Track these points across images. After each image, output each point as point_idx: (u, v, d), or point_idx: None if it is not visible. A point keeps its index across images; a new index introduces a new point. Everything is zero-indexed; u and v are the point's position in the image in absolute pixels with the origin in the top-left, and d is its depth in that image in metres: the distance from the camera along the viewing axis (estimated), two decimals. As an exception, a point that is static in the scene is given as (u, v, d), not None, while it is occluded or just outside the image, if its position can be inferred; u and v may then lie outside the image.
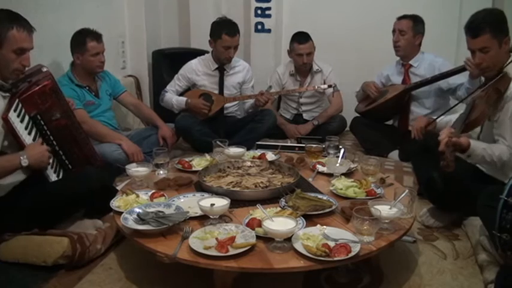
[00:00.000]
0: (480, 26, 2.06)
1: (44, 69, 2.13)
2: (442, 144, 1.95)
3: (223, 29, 3.30)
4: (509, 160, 2.00)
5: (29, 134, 2.01)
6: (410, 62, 3.30)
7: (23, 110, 1.99)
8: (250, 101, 3.50)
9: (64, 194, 1.97)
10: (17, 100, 1.97)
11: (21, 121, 1.98)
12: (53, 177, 2.09)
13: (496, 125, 2.10)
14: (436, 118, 2.43)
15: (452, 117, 2.39)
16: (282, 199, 1.89)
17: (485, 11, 2.13)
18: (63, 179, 2.11)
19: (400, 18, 3.27)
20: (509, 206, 1.56)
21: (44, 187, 2.01)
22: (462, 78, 3.03)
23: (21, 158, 1.90)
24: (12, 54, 1.91)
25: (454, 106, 2.60)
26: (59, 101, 2.12)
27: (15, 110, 1.95)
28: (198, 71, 3.47)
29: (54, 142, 2.12)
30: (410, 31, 3.22)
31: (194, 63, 3.50)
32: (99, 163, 2.34)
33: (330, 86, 3.47)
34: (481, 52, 2.09)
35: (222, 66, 3.47)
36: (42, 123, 2.07)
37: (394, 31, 3.27)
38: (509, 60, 2.09)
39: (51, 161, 2.06)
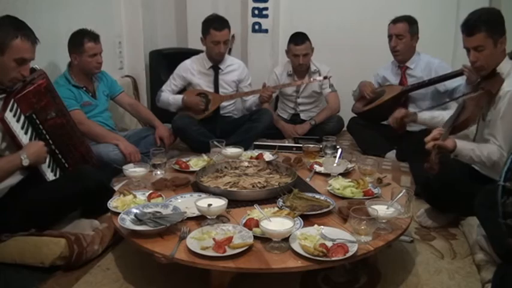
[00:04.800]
0: (475, 24, 2.06)
1: (38, 69, 2.12)
2: (430, 145, 1.98)
3: (211, 24, 3.32)
4: (500, 160, 2.01)
5: (26, 133, 2.01)
6: (407, 64, 3.29)
7: (19, 110, 1.99)
8: (252, 99, 3.50)
9: (61, 193, 1.97)
10: (12, 100, 1.96)
11: (18, 121, 1.98)
12: (50, 175, 2.09)
13: (487, 125, 2.11)
14: (418, 112, 2.44)
15: (437, 113, 2.41)
16: (279, 199, 1.89)
17: (482, 10, 2.13)
18: (60, 178, 2.11)
19: (394, 22, 3.22)
20: (508, 190, 1.55)
21: (41, 187, 2.01)
22: (459, 80, 3.04)
23: (22, 157, 1.89)
24: (13, 63, 1.90)
25: (442, 103, 2.61)
26: (54, 99, 2.13)
27: (11, 110, 1.95)
28: (192, 69, 3.48)
29: (50, 141, 2.11)
30: (407, 34, 3.19)
31: (189, 63, 3.50)
32: (95, 162, 2.34)
33: (325, 78, 3.47)
34: (476, 51, 2.09)
35: (216, 65, 3.47)
36: (38, 122, 2.07)
37: (390, 36, 3.23)
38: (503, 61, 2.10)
39: (47, 157, 2.05)
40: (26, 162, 1.90)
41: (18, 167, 1.91)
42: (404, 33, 3.19)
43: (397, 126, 2.69)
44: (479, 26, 2.05)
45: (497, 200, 1.56)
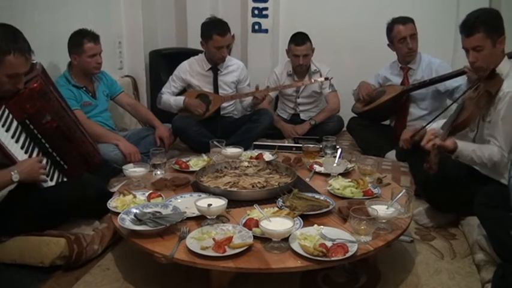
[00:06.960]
0: (474, 24, 2.06)
1: (36, 66, 2.05)
2: (429, 145, 1.97)
3: (214, 30, 3.29)
4: (501, 161, 2.01)
5: (17, 141, 1.93)
6: (410, 65, 3.28)
7: (10, 116, 1.91)
8: (248, 100, 3.50)
9: (60, 201, 1.95)
10: (3, 107, 1.89)
11: (7, 130, 1.90)
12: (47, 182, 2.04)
13: (488, 126, 2.10)
14: (425, 125, 2.44)
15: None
16: (279, 199, 1.89)
17: (480, 11, 2.13)
18: (60, 186, 2.07)
19: (403, 23, 3.16)
20: None
21: (41, 193, 1.97)
22: (459, 80, 3.03)
23: (12, 173, 1.82)
24: (6, 78, 1.85)
25: (446, 109, 2.61)
26: (49, 102, 2.06)
27: None
28: (191, 71, 3.47)
29: (47, 144, 2.07)
30: (416, 33, 3.18)
31: (188, 64, 3.50)
32: (98, 160, 2.31)
33: (326, 79, 3.46)
34: (475, 51, 2.09)
35: (215, 66, 3.46)
36: (32, 127, 2.00)
37: (404, 38, 3.15)
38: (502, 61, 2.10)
39: (46, 169, 2.00)
40: (16, 178, 1.82)
41: (9, 183, 1.84)
42: (415, 32, 3.18)
43: (409, 146, 2.57)
44: (477, 26, 2.04)
45: (510, 193, 1.55)
